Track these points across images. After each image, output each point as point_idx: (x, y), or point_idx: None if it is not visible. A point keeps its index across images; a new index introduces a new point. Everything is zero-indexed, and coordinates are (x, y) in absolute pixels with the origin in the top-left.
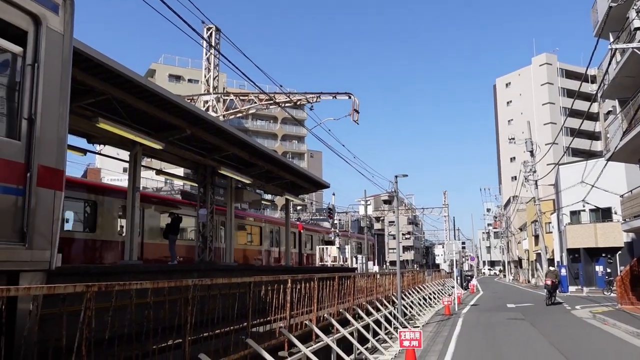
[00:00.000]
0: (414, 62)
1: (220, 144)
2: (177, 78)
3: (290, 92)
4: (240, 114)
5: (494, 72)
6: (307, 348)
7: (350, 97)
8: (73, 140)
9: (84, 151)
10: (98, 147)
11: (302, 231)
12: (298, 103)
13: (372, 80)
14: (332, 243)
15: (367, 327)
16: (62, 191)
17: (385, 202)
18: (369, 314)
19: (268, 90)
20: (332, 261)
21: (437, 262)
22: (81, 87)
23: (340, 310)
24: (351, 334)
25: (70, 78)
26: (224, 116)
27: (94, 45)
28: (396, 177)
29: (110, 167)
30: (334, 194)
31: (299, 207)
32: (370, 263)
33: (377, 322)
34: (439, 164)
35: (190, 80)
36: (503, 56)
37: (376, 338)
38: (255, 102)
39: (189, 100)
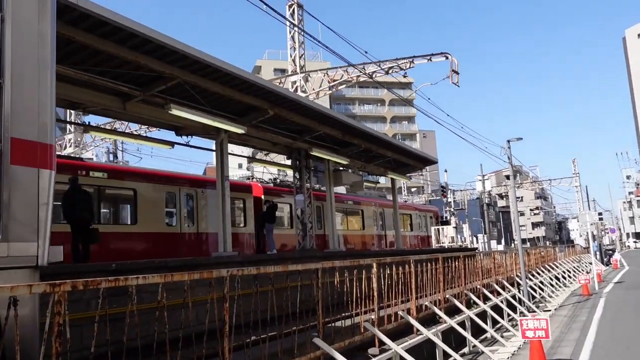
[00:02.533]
0: (524, 16)
1: (309, 123)
2: (282, 71)
3: (380, 61)
4: (330, 91)
5: (622, 23)
6: (402, 343)
7: (447, 58)
8: (162, 133)
9: (171, 144)
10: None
11: (262, 197)
12: (390, 71)
13: (476, 37)
14: (447, 223)
15: (483, 314)
16: (52, 169)
17: (507, 177)
18: (486, 299)
19: (358, 68)
20: (449, 242)
21: (571, 237)
22: (150, 73)
23: (448, 296)
24: (462, 324)
25: (54, 34)
26: (319, 95)
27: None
28: (508, 141)
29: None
30: (446, 171)
31: (413, 189)
32: (493, 242)
33: (497, 309)
34: (564, 129)
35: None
36: (630, 2)
37: (496, 327)
38: (345, 76)
39: (277, 83)
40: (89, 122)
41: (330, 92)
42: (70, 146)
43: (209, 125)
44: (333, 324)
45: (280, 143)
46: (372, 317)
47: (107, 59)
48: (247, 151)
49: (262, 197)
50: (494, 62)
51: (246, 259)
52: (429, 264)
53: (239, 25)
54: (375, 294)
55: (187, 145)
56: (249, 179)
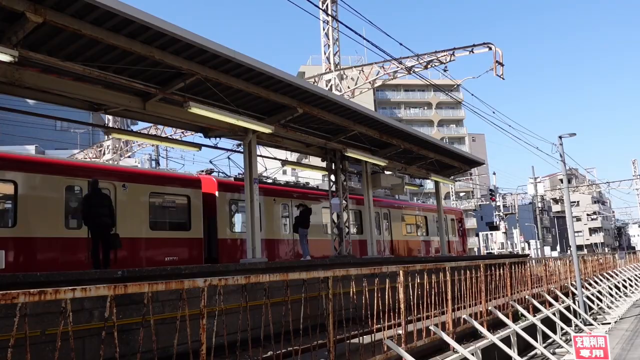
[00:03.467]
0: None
1: (342, 122)
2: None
3: (418, 55)
4: (366, 89)
5: None
6: None
7: (490, 49)
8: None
9: (198, 146)
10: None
11: (216, 194)
12: (429, 65)
13: (521, 27)
14: (496, 228)
15: (532, 328)
16: None
17: (562, 180)
18: (536, 311)
19: (395, 64)
20: (498, 248)
21: (632, 243)
22: (168, 70)
23: (490, 308)
24: (506, 339)
25: None
26: (354, 93)
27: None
28: (560, 137)
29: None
30: (494, 174)
31: (462, 194)
32: (547, 248)
33: (549, 322)
34: (621, 128)
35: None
36: None
37: (547, 343)
38: (381, 73)
39: (312, 83)
40: (131, 129)
41: (367, 90)
42: (108, 152)
43: (235, 125)
44: (348, 342)
45: (313, 144)
46: (399, 332)
47: (121, 55)
48: (295, 156)
49: (216, 193)
50: (545, 57)
51: (272, 266)
52: (468, 272)
53: (282, 32)
54: (402, 306)
55: (215, 147)
56: (209, 172)
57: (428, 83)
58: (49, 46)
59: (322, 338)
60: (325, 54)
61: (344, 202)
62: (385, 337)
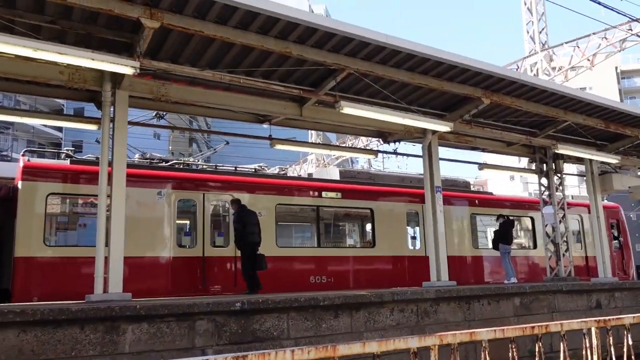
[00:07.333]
0: None
1: (548, 112)
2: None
3: None
4: (584, 69)
5: None
6: None
7: None
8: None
9: (374, 152)
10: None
11: (19, 185)
12: None
13: None
14: None
15: None
16: None
17: None
18: None
19: (623, 29)
20: None
21: None
22: (312, 68)
23: None
24: None
25: None
26: (567, 76)
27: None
28: None
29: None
30: None
31: None
32: None
33: None
34: None
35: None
36: None
37: None
38: (603, 45)
39: (514, 69)
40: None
41: (585, 70)
42: (311, 166)
43: (410, 126)
44: None
45: (514, 142)
46: None
47: (260, 57)
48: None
49: (19, 183)
50: None
51: (443, 296)
52: None
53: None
54: None
55: (394, 153)
56: (68, 156)
57: None
58: (184, 57)
59: None
60: (528, 32)
61: (560, 210)
62: None
